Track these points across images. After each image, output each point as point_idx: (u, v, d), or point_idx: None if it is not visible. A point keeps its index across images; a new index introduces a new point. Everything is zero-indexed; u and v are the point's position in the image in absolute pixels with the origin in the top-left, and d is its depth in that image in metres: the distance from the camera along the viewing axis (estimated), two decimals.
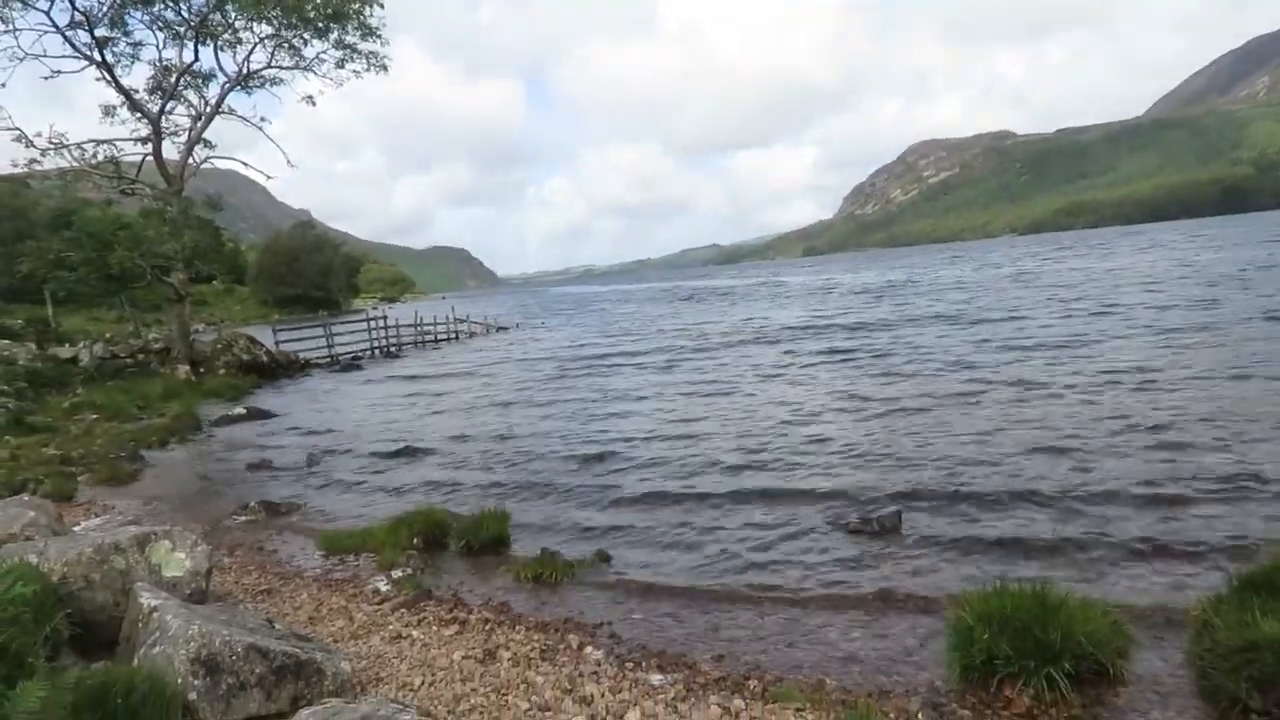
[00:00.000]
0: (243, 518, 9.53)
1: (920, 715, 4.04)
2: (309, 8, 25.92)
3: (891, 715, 4.03)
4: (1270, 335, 15.79)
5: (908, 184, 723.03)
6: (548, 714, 4.21)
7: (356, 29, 27.37)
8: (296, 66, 28.18)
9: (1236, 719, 3.76)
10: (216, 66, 28.04)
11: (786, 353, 21.00)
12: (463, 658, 5.02)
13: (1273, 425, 9.14)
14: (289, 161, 29.73)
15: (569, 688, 4.53)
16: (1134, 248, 68.78)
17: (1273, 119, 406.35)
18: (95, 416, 18.20)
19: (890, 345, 20.62)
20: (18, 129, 24.07)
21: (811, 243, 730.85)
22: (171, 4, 25.67)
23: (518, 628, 5.59)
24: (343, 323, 41.37)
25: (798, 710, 4.11)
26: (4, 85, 23.94)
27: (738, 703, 4.24)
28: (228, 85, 27.47)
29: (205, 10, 25.92)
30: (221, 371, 26.31)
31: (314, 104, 29.34)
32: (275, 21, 26.72)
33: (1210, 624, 4.19)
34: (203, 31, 26.16)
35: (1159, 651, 4.49)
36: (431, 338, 40.87)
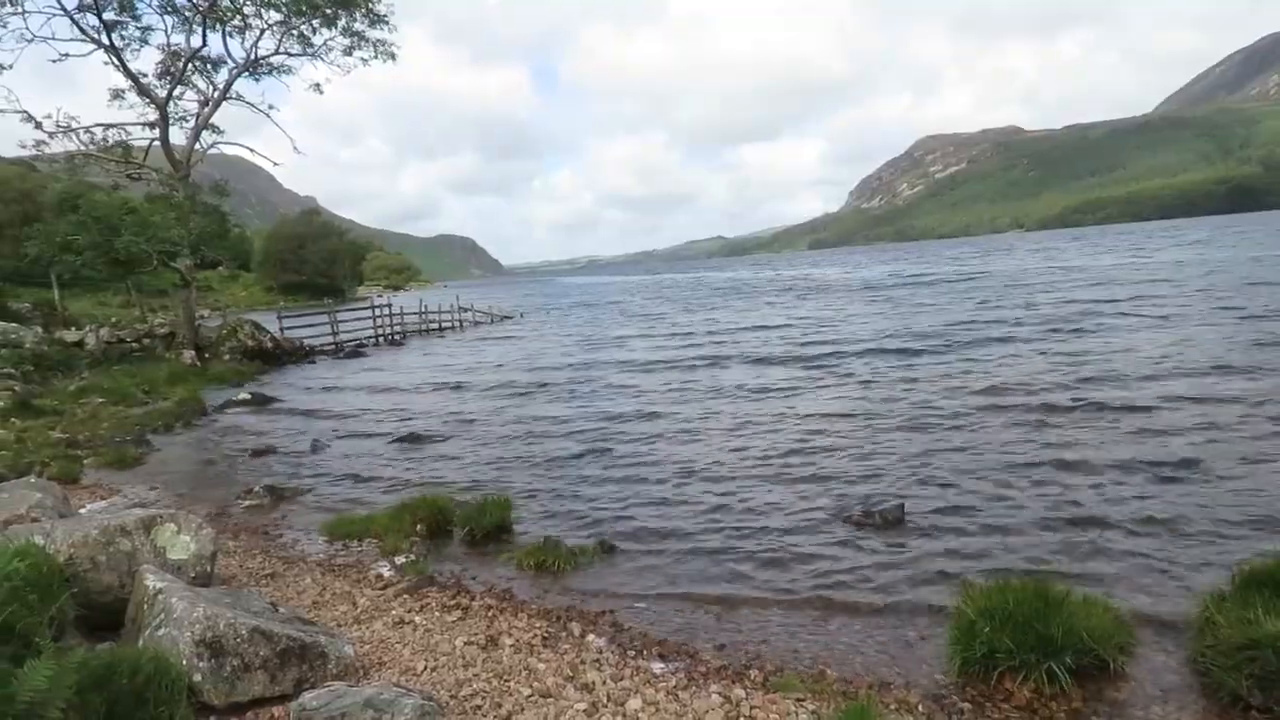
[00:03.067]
0: (247, 502, 9.56)
1: (920, 707, 4.05)
2: None
3: (892, 706, 4.05)
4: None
5: (915, 179, 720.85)
6: (549, 700, 4.24)
7: (364, 16, 27.32)
8: (305, 54, 28.14)
9: (1237, 716, 3.77)
10: (225, 52, 27.98)
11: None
12: (465, 644, 5.04)
13: None
14: (295, 148, 29.66)
15: (571, 675, 4.55)
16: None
17: None
18: (101, 400, 18.24)
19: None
20: (25, 111, 24.12)
21: (817, 236, 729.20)
22: None
23: (520, 615, 5.61)
24: (347, 310, 41.42)
25: (798, 700, 4.13)
26: (11, 67, 23.95)
27: (738, 692, 4.26)
28: (236, 71, 27.45)
29: None
30: (226, 357, 26.35)
31: (322, 91, 29.36)
32: (284, 8, 26.68)
33: (1213, 621, 4.20)
34: (211, 17, 26.12)
35: (1161, 648, 4.50)
36: (435, 326, 40.92)
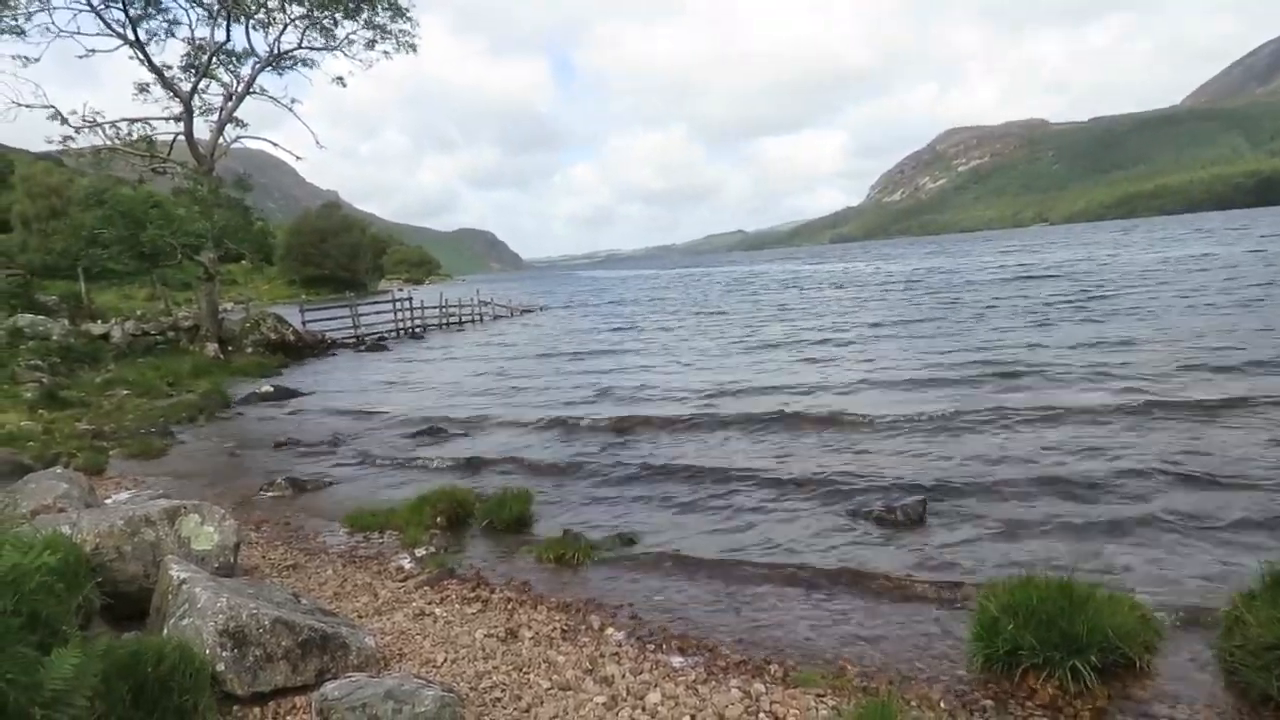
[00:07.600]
0: (270, 494, 9.64)
1: (942, 703, 4.01)
2: None
3: (913, 702, 4.01)
4: None
5: (937, 172, 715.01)
6: (569, 693, 4.24)
7: (386, 9, 27.41)
8: (327, 47, 28.28)
9: (1267, 716, 3.71)
10: (248, 46, 28.15)
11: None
12: (485, 636, 5.05)
13: None
14: (318, 142, 29.85)
15: (590, 668, 4.55)
16: None
17: None
18: (126, 392, 18.46)
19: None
20: (53, 106, 24.39)
21: (838, 230, 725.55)
22: None
23: (539, 607, 5.62)
24: (369, 303, 41.67)
25: (818, 695, 4.10)
26: (38, 60, 24.21)
27: (758, 686, 4.24)
28: (259, 65, 27.62)
29: None
30: (249, 350, 26.61)
31: (344, 85, 29.49)
32: (307, 2, 26.82)
33: (1242, 620, 4.12)
34: (235, 10, 26.28)
35: (1188, 646, 4.43)
36: (456, 320, 41.10)
